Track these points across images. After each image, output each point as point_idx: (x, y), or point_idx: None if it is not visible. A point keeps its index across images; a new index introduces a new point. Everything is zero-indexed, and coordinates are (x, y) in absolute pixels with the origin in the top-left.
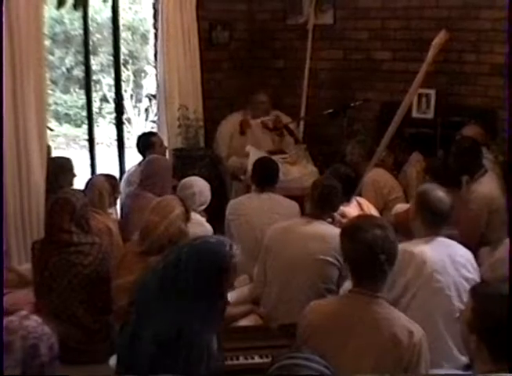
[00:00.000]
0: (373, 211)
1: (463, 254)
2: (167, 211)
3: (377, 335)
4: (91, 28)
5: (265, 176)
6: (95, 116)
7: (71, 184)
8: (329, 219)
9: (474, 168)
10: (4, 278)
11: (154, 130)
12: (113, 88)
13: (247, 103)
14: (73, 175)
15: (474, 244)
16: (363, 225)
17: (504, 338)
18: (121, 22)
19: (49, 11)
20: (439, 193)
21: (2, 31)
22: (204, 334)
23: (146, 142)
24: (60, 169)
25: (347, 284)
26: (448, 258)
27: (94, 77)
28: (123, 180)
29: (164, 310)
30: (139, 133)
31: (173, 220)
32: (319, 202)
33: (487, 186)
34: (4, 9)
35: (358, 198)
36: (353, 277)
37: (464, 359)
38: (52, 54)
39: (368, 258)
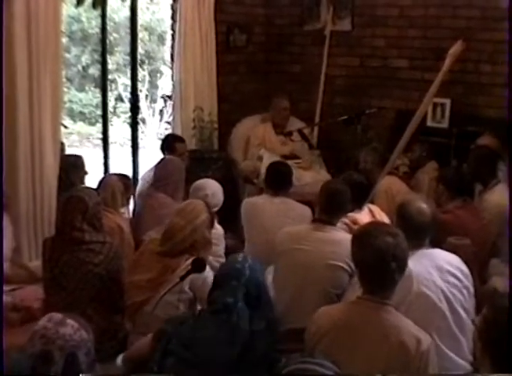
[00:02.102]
0: (385, 219)
1: (450, 261)
2: (193, 216)
3: (385, 343)
4: (108, 27)
5: (279, 180)
6: (109, 115)
7: (82, 182)
8: (344, 226)
9: (488, 176)
10: (14, 273)
11: (169, 131)
12: (128, 88)
13: (268, 106)
14: (85, 173)
15: (485, 254)
16: (374, 232)
17: (506, 351)
18: (139, 22)
19: (67, 9)
20: (419, 205)
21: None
22: None
23: (168, 145)
24: (72, 167)
25: (349, 295)
26: (435, 270)
27: (110, 77)
28: (141, 179)
29: None
30: (165, 134)
31: (198, 226)
32: (326, 206)
33: (500, 195)
34: (22, 7)
35: (370, 205)
36: (363, 284)
37: (468, 367)
38: (69, 52)
39: (379, 265)
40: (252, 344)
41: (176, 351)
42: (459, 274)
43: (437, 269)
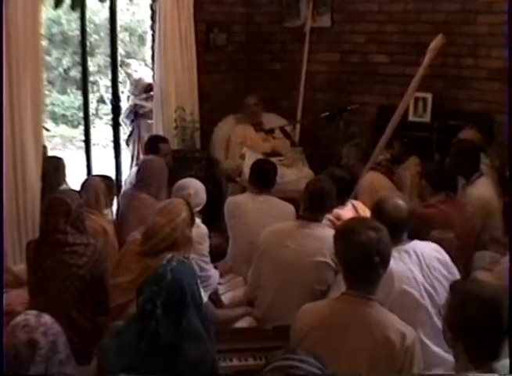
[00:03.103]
0: (369, 214)
1: (429, 253)
2: (173, 214)
3: (370, 338)
4: (88, 29)
5: (264, 178)
6: (91, 117)
7: (63, 184)
8: (327, 222)
9: (470, 170)
10: None
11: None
12: (110, 89)
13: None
14: (65, 175)
15: (469, 247)
16: (357, 228)
17: (478, 338)
18: (119, 23)
19: (47, 11)
20: (396, 201)
21: (2, 31)
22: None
23: (152, 146)
24: (53, 169)
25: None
26: (415, 266)
27: (91, 78)
28: (124, 181)
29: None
30: (149, 135)
31: (179, 224)
32: (312, 203)
33: (482, 188)
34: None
35: (353, 201)
36: (346, 279)
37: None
38: (50, 55)
39: (362, 260)
40: (182, 350)
41: (109, 366)
42: (438, 265)
43: (417, 264)
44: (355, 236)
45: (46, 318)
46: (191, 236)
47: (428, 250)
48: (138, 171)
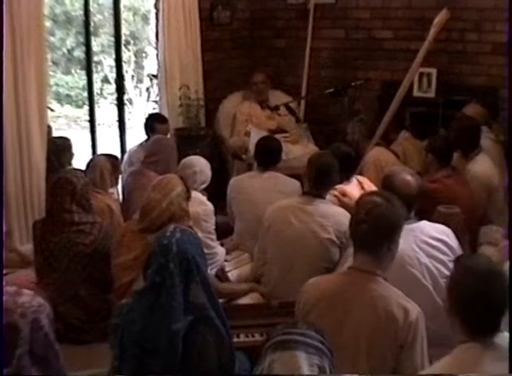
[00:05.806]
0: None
1: (435, 235)
2: (168, 189)
3: (374, 312)
4: (91, 9)
5: (268, 155)
6: (96, 97)
7: (70, 164)
8: (333, 197)
9: (471, 146)
10: (5, 258)
11: (156, 110)
12: (114, 69)
13: (247, 82)
14: (72, 155)
15: (475, 222)
16: (369, 196)
17: (474, 313)
18: (122, 2)
19: None
20: (406, 177)
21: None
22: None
23: (150, 126)
24: (59, 149)
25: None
26: (418, 246)
27: (95, 58)
28: (124, 160)
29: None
30: (148, 113)
31: (174, 198)
32: (315, 179)
33: (483, 164)
34: None
35: (358, 177)
36: (354, 252)
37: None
38: (53, 35)
39: (354, 226)
40: (199, 318)
41: (130, 348)
42: (444, 248)
43: (422, 244)
44: (364, 204)
45: (24, 295)
46: (188, 210)
47: (435, 232)
48: (147, 148)
